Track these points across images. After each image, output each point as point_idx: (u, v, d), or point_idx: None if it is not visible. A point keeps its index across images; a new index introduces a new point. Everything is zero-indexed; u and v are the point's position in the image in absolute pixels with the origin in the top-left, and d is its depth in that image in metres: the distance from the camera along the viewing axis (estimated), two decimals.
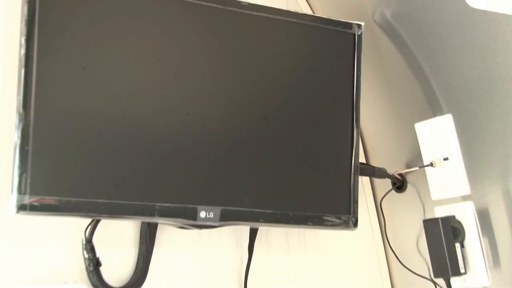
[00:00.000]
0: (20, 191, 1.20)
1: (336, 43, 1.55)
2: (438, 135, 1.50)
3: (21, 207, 1.20)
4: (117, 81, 1.33)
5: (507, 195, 1.44)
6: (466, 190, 1.46)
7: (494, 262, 1.45)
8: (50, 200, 1.23)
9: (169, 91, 1.38)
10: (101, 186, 1.29)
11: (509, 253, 1.43)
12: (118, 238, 1.40)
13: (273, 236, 1.57)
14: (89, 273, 1.34)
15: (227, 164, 1.41)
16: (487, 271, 1.43)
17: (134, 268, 1.40)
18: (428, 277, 1.55)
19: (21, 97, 1.22)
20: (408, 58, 1.60)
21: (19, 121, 1.22)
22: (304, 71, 1.52)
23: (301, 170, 1.48)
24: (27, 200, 1.21)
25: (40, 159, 1.23)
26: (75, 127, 1.28)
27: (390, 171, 1.62)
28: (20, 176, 1.21)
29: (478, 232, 1.44)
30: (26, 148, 1.22)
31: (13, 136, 1.22)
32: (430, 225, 1.49)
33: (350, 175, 1.51)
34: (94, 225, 1.34)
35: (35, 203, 1.22)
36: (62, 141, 1.27)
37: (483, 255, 1.43)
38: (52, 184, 1.25)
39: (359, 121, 1.54)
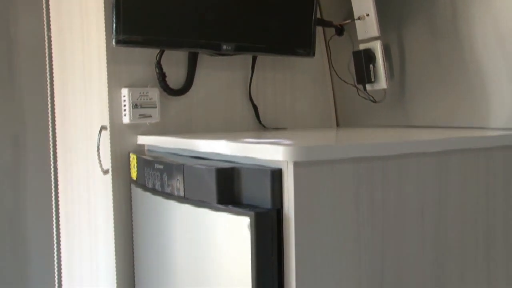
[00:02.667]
0: (117, 32, 1.22)
1: None
2: (363, 1, 1.46)
3: (118, 42, 1.22)
4: None
5: (399, 37, 1.45)
6: (377, 33, 1.45)
7: (390, 75, 1.48)
8: (135, 37, 1.24)
9: None
10: (166, 30, 1.28)
11: (399, 70, 1.46)
12: (175, 61, 1.41)
13: (266, 62, 1.56)
14: (159, 81, 1.36)
15: (239, 19, 1.39)
16: (386, 80, 1.46)
17: (185, 79, 1.42)
18: (353, 84, 1.59)
19: None
20: None
21: None
22: None
23: (283, 21, 1.46)
24: (121, 37, 1.22)
25: (128, 12, 1.22)
26: None
27: (335, 23, 1.60)
28: (117, 23, 1.21)
29: (383, 58, 1.46)
30: (119, 6, 1.21)
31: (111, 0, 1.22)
32: (356, 54, 1.51)
33: (312, 24, 1.50)
34: (161, 53, 1.35)
35: (126, 39, 1.23)
36: (140, 2, 1.25)
37: (385, 71, 1.46)
38: (136, 28, 1.24)
39: None
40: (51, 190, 1.77)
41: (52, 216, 1.79)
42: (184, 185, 0.98)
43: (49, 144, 1.77)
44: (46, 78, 1.77)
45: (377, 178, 0.90)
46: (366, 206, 0.89)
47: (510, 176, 1.08)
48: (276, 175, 0.82)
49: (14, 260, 1.76)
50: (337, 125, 1.72)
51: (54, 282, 1.78)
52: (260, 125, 1.54)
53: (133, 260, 1.31)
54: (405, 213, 0.94)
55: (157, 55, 1.35)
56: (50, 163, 1.77)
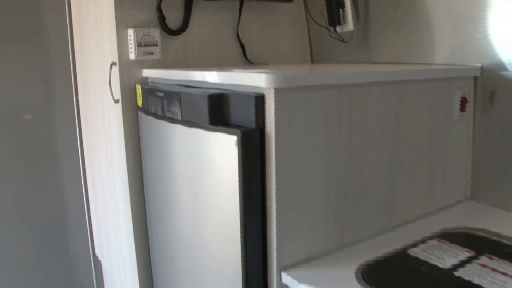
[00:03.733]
0: None
1: None
2: None
3: None
4: None
5: None
6: None
7: (357, 19, 1.40)
8: None
9: None
10: None
11: (364, 15, 1.38)
12: (173, 5, 1.30)
13: (251, 7, 1.45)
14: (160, 23, 1.28)
15: None
16: (353, 23, 1.38)
17: (182, 21, 1.32)
18: (325, 26, 1.50)
19: None
20: None
21: None
22: None
23: None
24: None
25: None
26: None
27: None
28: None
29: (351, 4, 1.36)
30: None
31: None
32: (328, 0, 1.38)
33: None
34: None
35: None
36: None
37: (352, 15, 1.37)
38: None
39: None
40: (75, 118, 1.80)
41: (77, 139, 1.82)
42: (181, 110, 0.94)
43: (71, 81, 1.74)
44: (67, 26, 1.71)
45: (345, 103, 0.86)
46: (336, 126, 0.86)
47: (450, 101, 1.08)
48: (259, 99, 0.78)
49: (50, 176, 1.80)
50: (312, 61, 1.65)
51: (82, 188, 1.84)
52: (247, 60, 1.47)
53: (141, 173, 1.29)
54: (367, 131, 0.92)
55: (157, 0, 1.26)
56: (73, 97, 1.77)
